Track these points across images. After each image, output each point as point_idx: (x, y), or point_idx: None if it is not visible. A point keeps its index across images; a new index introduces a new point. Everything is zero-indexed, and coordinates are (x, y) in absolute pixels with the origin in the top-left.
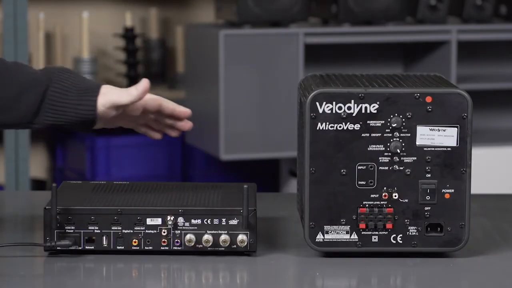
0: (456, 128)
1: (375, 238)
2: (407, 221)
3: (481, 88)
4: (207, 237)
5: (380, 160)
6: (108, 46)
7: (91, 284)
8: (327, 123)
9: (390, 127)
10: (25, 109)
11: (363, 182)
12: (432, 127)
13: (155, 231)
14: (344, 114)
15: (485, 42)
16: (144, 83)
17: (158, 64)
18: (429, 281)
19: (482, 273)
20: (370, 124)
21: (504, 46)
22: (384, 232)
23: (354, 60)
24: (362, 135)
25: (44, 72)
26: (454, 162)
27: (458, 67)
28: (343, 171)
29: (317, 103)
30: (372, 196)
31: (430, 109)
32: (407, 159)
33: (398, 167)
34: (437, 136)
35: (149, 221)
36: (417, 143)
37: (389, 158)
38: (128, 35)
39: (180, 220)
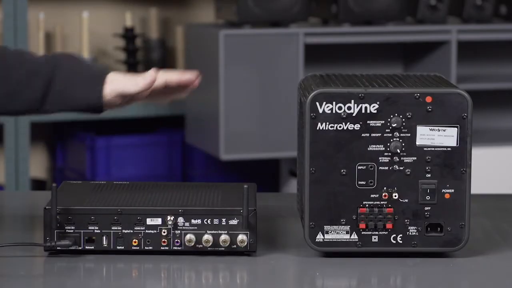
0: (456, 128)
1: (375, 238)
2: (407, 221)
3: (481, 88)
4: (207, 237)
5: (380, 160)
6: (108, 46)
7: (91, 284)
8: (327, 123)
9: (390, 127)
10: (31, 98)
11: (363, 182)
12: (432, 127)
13: (155, 231)
14: (344, 114)
15: (485, 42)
16: (152, 74)
17: (158, 64)
18: (429, 281)
19: (482, 273)
20: (370, 124)
21: (504, 46)
22: (384, 232)
23: (354, 60)
24: (362, 135)
25: (49, 59)
26: (454, 162)
27: (458, 67)
28: (343, 171)
29: (317, 103)
30: (372, 196)
31: (430, 109)
32: (407, 159)
33: (398, 167)
34: (437, 136)
35: (149, 221)
36: (417, 143)
37: (389, 158)
38: (128, 35)
39: (180, 220)
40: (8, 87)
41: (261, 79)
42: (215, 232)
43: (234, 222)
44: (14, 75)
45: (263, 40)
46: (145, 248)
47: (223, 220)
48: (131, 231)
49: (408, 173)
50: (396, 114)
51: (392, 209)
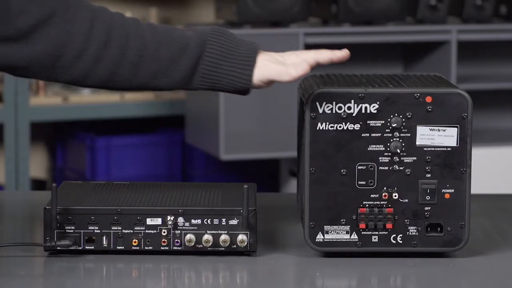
0: (456, 128)
1: (375, 238)
2: (407, 221)
3: (481, 88)
4: (207, 237)
5: (380, 160)
6: None
7: (91, 284)
8: (327, 123)
9: (390, 127)
10: (177, 77)
11: (363, 182)
12: (432, 127)
13: (155, 231)
14: (344, 114)
15: (485, 42)
16: (305, 66)
17: None
18: (429, 281)
19: (482, 273)
20: (370, 124)
21: (504, 46)
22: (384, 232)
23: (354, 60)
24: (362, 135)
25: (199, 36)
26: (454, 162)
27: (458, 67)
28: (343, 171)
29: (317, 103)
30: (372, 196)
31: (430, 109)
32: (407, 159)
33: (398, 167)
34: (437, 136)
35: (149, 221)
36: (417, 143)
37: (389, 158)
38: None
39: (180, 220)
40: (155, 66)
41: None
42: (215, 232)
43: (234, 222)
44: (162, 54)
45: (263, 40)
46: (145, 248)
47: (223, 220)
48: (131, 231)
49: (408, 173)
50: (396, 114)
51: (392, 209)
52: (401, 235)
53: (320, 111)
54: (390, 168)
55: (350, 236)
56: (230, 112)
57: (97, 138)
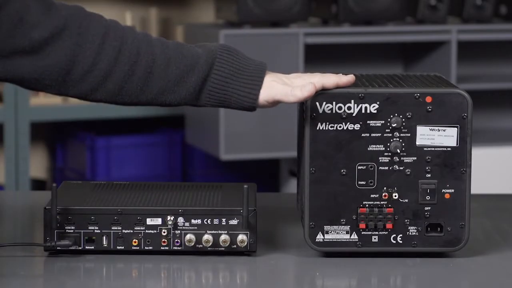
0: (456, 128)
1: (375, 238)
2: (407, 221)
3: (481, 88)
4: (207, 237)
5: (380, 160)
6: None
7: (91, 284)
8: (327, 123)
9: (390, 127)
10: (184, 94)
11: (363, 182)
12: (432, 127)
13: (155, 231)
14: (344, 114)
15: (485, 42)
16: (311, 88)
17: None
18: (429, 281)
19: (482, 273)
20: (370, 124)
21: (504, 46)
22: (384, 232)
23: (354, 60)
24: (362, 135)
25: (207, 53)
26: (454, 162)
27: (458, 67)
28: (343, 171)
29: (317, 103)
30: (372, 196)
31: (430, 109)
32: (407, 159)
33: (398, 167)
34: (437, 136)
35: (149, 221)
36: (417, 143)
37: (389, 158)
38: None
39: (180, 220)
40: (164, 83)
41: None
42: (215, 232)
43: (234, 222)
44: (171, 71)
45: (263, 40)
46: (145, 248)
47: (223, 220)
48: (131, 231)
49: (408, 173)
50: (396, 114)
51: (392, 209)
52: (401, 235)
53: (320, 111)
54: (390, 168)
55: (350, 236)
56: (230, 112)
57: (97, 138)
